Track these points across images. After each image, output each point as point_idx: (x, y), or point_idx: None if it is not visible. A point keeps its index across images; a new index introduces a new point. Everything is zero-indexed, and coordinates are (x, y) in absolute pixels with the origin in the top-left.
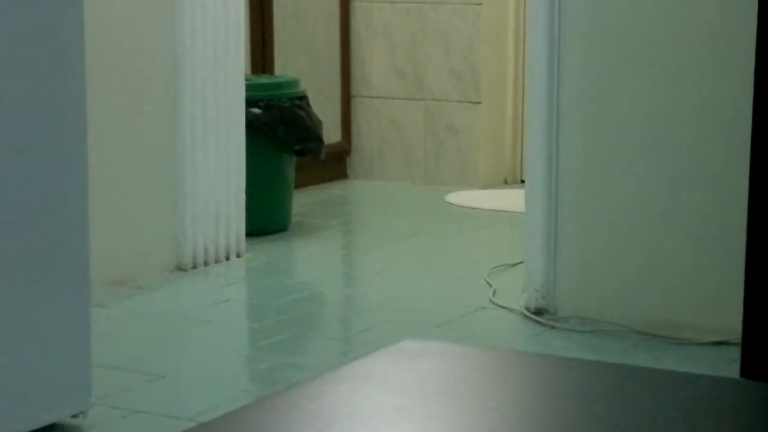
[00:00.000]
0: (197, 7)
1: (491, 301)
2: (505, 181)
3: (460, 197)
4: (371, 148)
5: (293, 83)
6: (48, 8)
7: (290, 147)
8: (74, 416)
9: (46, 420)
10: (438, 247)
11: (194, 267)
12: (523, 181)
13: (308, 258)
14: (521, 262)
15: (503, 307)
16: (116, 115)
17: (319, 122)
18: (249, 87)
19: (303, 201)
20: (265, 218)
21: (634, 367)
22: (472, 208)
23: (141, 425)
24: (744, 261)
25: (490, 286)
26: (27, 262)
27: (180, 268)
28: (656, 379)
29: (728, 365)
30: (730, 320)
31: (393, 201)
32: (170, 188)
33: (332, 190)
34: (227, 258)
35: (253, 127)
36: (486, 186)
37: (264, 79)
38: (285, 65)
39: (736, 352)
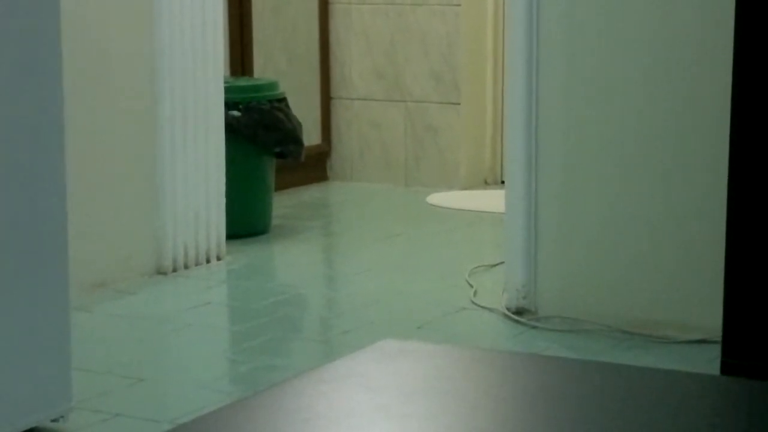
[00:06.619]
0: (175, 9)
1: (472, 302)
2: (486, 182)
3: (441, 198)
4: (351, 150)
5: (272, 85)
6: (24, 12)
7: (270, 149)
8: (54, 420)
9: (25, 424)
10: (419, 248)
11: (174, 270)
12: (503, 182)
13: (289, 260)
14: (502, 263)
15: (484, 308)
16: (94, 117)
17: (299, 124)
18: (228, 89)
19: (283, 203)
20: (245, 221)
21: (615, 366)
22: (453, 209)
23: (121, 428)
24: (724, 259)
25: (471, 286)
26: (6, 265)
27: (160, 272)
28: (637, 377)
29: (709, 363)
30: (711, 318)
31: (373, 202)
32: (150, 191)
33: (312, 192)
34: (207, 261)
35: (232, 129)
36: (466, 187)
37: (243, 82)
38: (264, 67)
39: (716, 350)
